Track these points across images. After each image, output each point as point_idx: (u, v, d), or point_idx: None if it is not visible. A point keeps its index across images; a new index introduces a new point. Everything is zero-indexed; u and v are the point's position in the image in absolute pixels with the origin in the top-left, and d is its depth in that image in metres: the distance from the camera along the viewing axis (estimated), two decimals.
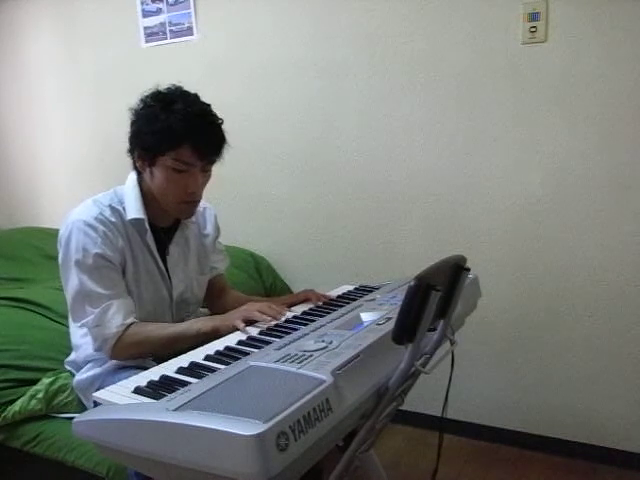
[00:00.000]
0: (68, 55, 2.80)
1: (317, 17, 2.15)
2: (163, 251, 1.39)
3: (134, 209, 1.31)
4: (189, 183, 1.27)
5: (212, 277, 1.57)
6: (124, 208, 1.32)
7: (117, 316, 1.23)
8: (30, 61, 2.93)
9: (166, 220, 1.39)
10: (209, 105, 1.31)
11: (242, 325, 1.17)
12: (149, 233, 1.33)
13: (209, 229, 1.53)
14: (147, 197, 1.33)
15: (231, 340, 1.13)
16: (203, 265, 1.51)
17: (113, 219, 1.30)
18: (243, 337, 1.14)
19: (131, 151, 1.32)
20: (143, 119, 1.27)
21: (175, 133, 1.22)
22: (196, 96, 1.30)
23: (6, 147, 3.13)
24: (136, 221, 1.32)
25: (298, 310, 1.34)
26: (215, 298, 1.60)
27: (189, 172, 1.26)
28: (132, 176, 1.35)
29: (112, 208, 1.31)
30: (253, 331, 1.16)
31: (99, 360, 1.33)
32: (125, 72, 2.61)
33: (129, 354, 1.27)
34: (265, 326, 1.18)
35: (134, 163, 1.33)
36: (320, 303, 1.40)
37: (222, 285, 1.61)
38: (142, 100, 1.29)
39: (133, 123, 1.30)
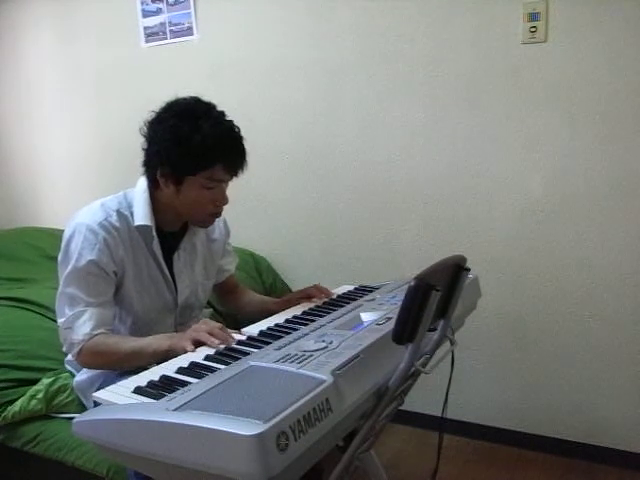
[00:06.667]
0: (68, 55, 2.79)
1: (317, 17, 2.15)
2: (170, 256, 1.38)
3: (142, 215, 1.30)
4: (218, 197, 1.29)
5: (224, 278, 1.58)
6: (132, 213, 1.31)
7: (88, 324, 1.22)
8: (30, 61, 2.93)
9: (174, 225, 1.38)
10: (224, 113, 1.29)
11: (191, 347, 1.09)
12: (156, 240, 1.32)
13: (217, 234, 1.52)
14: (157, 203, 1.32)
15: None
16: (209, 270, 1.50)
17: (118, 225, 1.28)
18: (243, 337, 1.14)
19: (150, 165, 1.28)
20: (170, 138, 1.22)
21: (209, 155, 1.22)
22: (214, 108, 1.28)
23: (6, 147, 3.12)
24: (143, 228, 1.31)
25: (300, 310, 1.35)
26: (223, 296, 1.64)
27: (218, 187, 1.28)
28: (142, 181, 1.33)
29: (119, 213, 1.30)
30: (203, 352, 1.07)
31: None
32: (125, 72, 2.60)
33: (93, 363, 1.27)
34: (213, 350, 1.07)
35: (152, 176, 1.29)
36: (320, 303, 1.40)
37: (233, 284, 1.63)
38: (160, 115, 1.26)
39: (155, 140, 1.25)
